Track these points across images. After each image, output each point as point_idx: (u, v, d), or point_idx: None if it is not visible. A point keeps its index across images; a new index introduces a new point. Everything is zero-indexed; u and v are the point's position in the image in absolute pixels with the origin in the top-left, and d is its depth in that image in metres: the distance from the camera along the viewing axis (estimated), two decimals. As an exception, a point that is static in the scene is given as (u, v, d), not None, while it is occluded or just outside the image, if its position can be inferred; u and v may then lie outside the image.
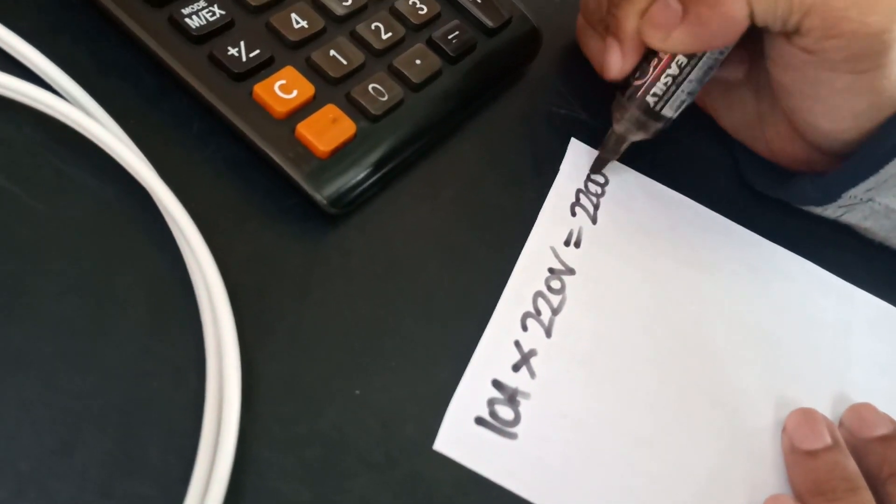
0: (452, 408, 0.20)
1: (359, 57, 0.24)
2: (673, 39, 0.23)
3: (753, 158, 0.30)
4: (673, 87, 0.25)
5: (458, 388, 0.20)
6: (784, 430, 0.23)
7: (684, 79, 0.25)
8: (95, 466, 0.17)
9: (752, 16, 0.22)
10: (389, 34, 0.25)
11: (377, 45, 0.24)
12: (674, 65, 0.24)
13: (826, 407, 0.24)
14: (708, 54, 0.24)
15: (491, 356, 0.21)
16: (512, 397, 0.21)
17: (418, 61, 0.25)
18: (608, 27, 0.26)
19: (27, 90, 0.20)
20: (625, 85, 0.26)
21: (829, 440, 0.22)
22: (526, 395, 0.21)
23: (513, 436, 0.20)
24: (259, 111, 0.22)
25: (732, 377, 0.24)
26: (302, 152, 0.21)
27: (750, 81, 0.28)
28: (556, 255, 0.24)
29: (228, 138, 0.22)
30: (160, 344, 0.19)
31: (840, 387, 0.25)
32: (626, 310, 0.24)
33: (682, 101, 0.25)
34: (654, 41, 0.24)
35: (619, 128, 0.26)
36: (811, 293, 0.27)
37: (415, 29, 0.26)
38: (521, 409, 0.21)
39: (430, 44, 0.26)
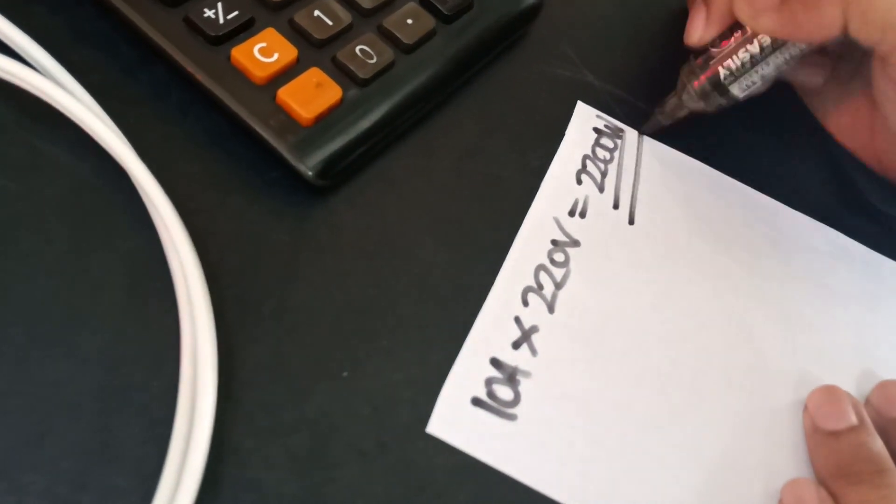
0: (447, 388, 0.19)
1: (346, 17, 0.22)
2: (762, 20, 0.23)
3: (874, 176, 0.27)
4: (748, 66, 0.24)
5: (453, 367, 0.19)
6: (805, 409, 0.22)
7: (761, 60, 0.24)
8: (68, 457, 0.16)
9: (844, 29, 0.21)
10: (379, -8, 0.23)
11: (365, 5, 0.23)
12: (756, 42, 0.23)
13: (851, 386, 0.22)
14: (793, 44, 0.23)
15: (489, 333, 0.20)
16: (511, 376, 0.20)
17: (410, 21, 0.23)
18: None
19: (-3, 61, 0.19)
20: (698, 53, 0.25)
21: (853, 419, 0.21)
22: (526, 374, 0.20)
23: (512, 417, 0.19)
24: (238, 77, 0.20)
25: (749, 355, 0.22)
26: (284, 120, 0.20)
27: (867, 90, 0.26)
28: (560, 226, 0.23)
29: (208, 108, 0.21)
30: (137, 328, 0.18)
31: (866, 364, 0.23)
32: (636, 284, 0.23)
33: (753, 84, 0.24)
34: (743, 15, 0.23)
35: (682, 94, 0.25)
36: (835, 264, 0.26)
37: (406, -14, 0.24)
38: (521, 388, 0.20)
39: (423, 2, 0.24)
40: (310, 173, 0.20)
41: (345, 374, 0.19)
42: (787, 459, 0.21)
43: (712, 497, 0.19)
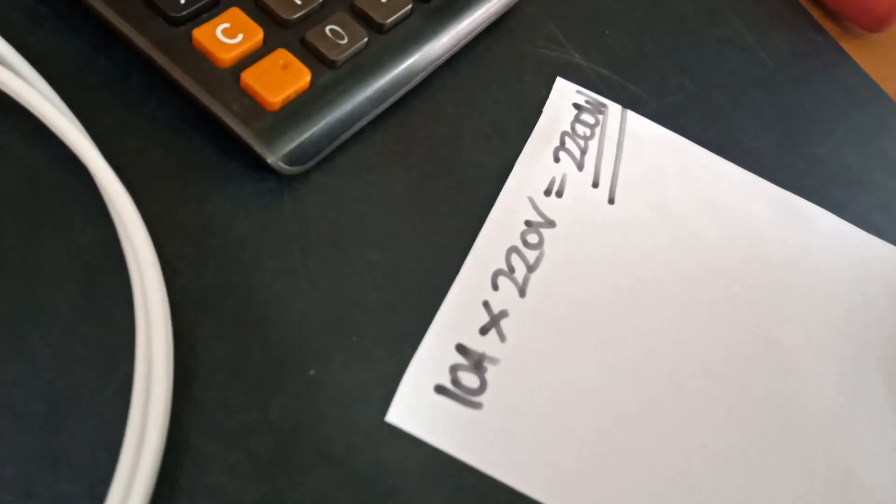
0: (409, 375, 0.18)
1: (315, -4, 0.21)
2: None
3: None
4: None
5: (416, 354, 0.18)
6: None
7: None
8: (14, 463, 0.15)
9: None
10: (351, -31, 0.22)
11: (337, -17, 0.22)
12: None
13: (835, 374, 0.21)
14: None
15: (455, 318, 0.19)
16: (478, 363, 0.19)
17: (385, 0, 0.22)
18: None
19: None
20: None
21: None
22: (494, 361, 0.19)
23: (477, 405, 0.18)
24: (200, 59, 0.19)
25: (732, 344, 0.21)
26: (248, 104, 0.19)
27: None
28: (535, 206, 0.22)
29: (170, 93, 0.20)
30: (90, 326, 0.17)
31: (854, 350, 0.22)
32: (613, 267, 0.22)
33: None
34: None
35: None
36: (825, 245, 0.24)
37: (381, -37, 0.23)
38: (488, 375, 0.19)
39: (399, -21, 0.23)
40: (276, 161, 0.19)
41: (311, 372, 0.18)
42: (768, 451, 0.20)
43: (689, 490, 0.19)
